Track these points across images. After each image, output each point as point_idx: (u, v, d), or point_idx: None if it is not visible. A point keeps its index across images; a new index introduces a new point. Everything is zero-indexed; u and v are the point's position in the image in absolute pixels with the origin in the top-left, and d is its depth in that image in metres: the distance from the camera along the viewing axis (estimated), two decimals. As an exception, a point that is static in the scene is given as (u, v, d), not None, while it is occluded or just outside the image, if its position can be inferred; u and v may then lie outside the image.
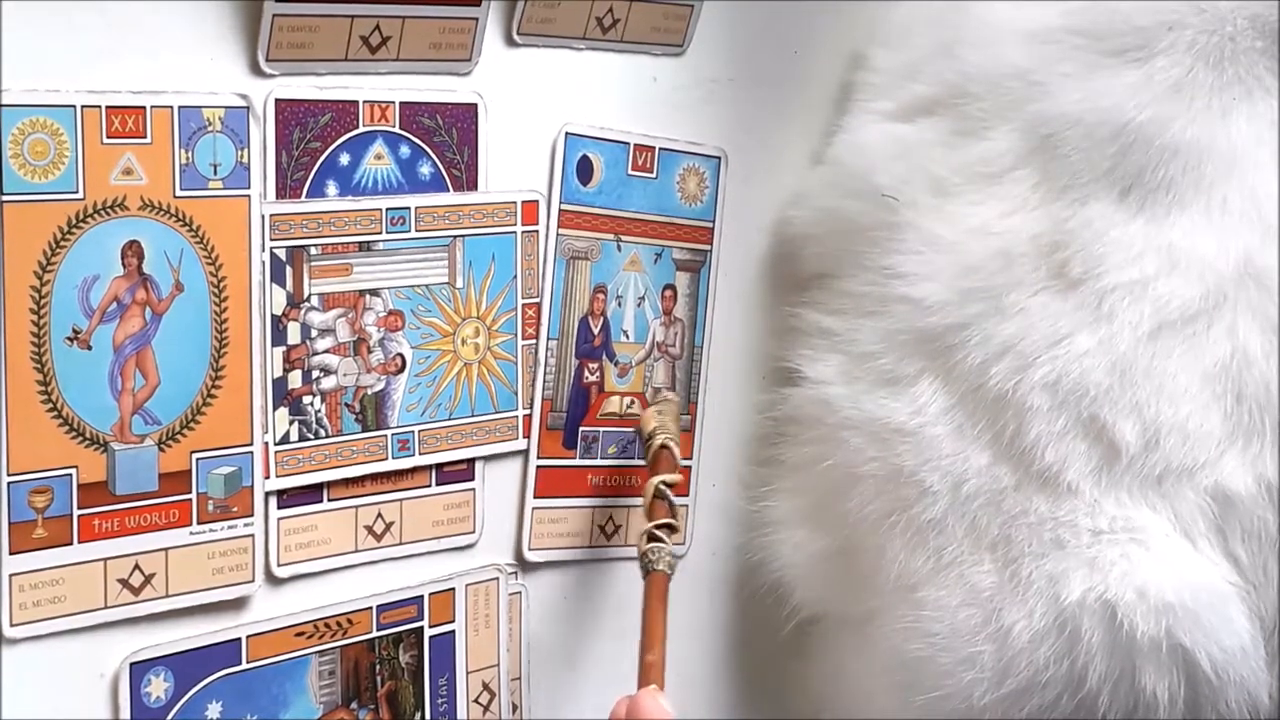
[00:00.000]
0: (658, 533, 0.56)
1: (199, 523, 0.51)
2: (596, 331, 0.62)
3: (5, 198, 0.47)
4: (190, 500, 0.51)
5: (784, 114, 0.67)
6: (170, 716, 0.51)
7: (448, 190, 0.57)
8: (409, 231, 0.56)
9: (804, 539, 0.63)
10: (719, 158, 0.65)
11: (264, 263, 0.52)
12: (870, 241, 0.61)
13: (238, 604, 0.53)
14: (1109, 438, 0.55)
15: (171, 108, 0.49)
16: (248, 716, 0.53)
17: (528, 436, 0.60)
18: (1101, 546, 0.55)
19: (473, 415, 0.58)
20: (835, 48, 0.67)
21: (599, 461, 0.62)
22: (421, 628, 0.58)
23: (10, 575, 0.48)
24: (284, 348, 0.53)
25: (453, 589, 0.58)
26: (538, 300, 0.60)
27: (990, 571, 0.57)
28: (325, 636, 0.55)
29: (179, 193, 0.50)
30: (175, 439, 0.51)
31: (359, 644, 0.56)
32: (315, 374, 0.54)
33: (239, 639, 0.53)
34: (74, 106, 0.47)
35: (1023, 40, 0.59)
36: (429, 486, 0.58)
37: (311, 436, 0.54)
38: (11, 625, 0.48)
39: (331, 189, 0.54)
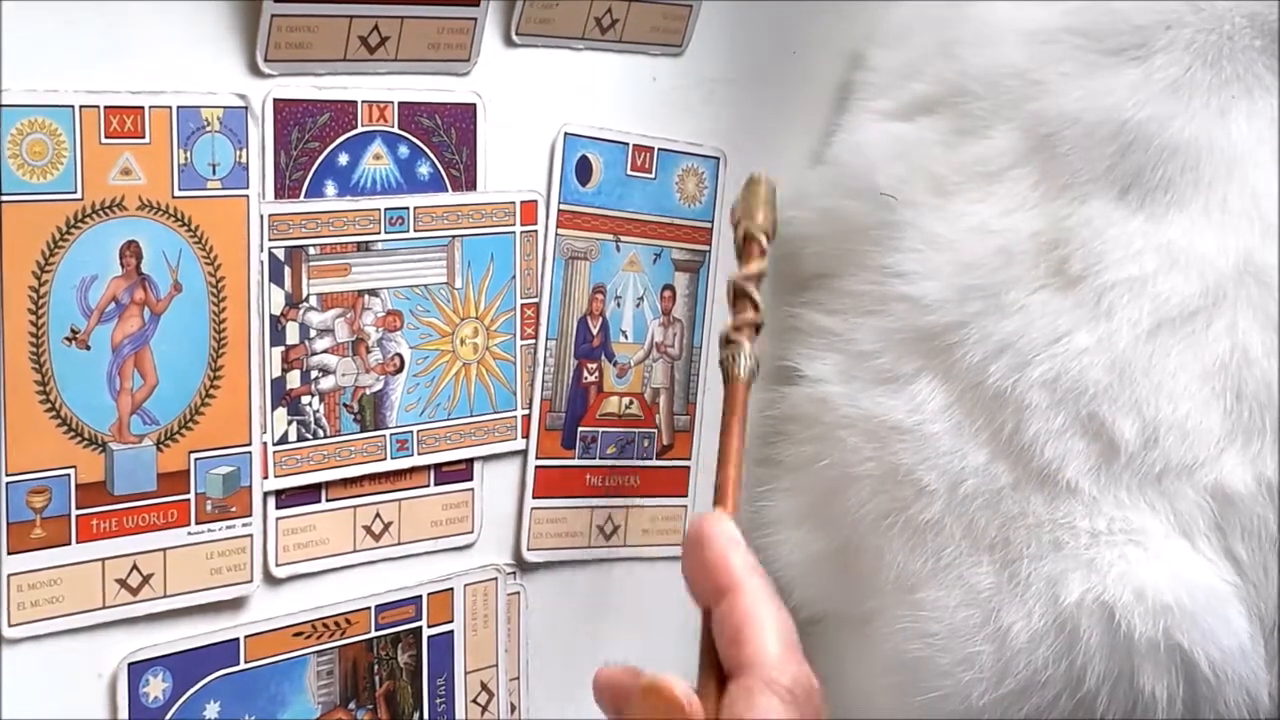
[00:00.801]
0: (734, 336, 0.49)
1: (197, 523, 0.51)
2: (595, 332, 0.62)
3: (4, 198, 0.47)
4: (189, 500, 0.51)
5: (784, 114, 0.67)
6: (168, 716, 0.51)
7: (446, 190, 0.57)
8: (407, 231, 0.56)
9: (803, 539, 0.63)
10: (718, 158, 0.65)
11: (262, 263, 0.52)
12: (869, 240, 0.61)
13: (236, 604, 0.53)
14: (1108, 435, 0.55)
15: (170, 108, 0.49)
16: (246, 716, 0.53)
17: (526, 436, 0.60)
18: (1100, 548, 0.55)
19: (471, 415, 0.58)
20: (835, 48, 0.67)
21: (598, 462, 0.62)
22: (420, 628, 0.58)
23: (9, 575, 0.48)
24: (282, 348, 0.53)
25: (451, 589, 0.58)
26: (536, 300, 0.60)
27: (989, 572, 0.57)
28: (323, 636, 0.55)
29: (177, 193, 0.50)
30: (174, 439, 0.51)
31: (357, 644, 0.56)
32: (314, 374, 0.54)
33: (237, 639, 0.53)
34: (72, 106, 0.47)
35: (1022, 39, 0.59)
36: (427, 486, 0.58)
37: (310, 436, 0.54)
38: (10, 625, 0.48)
39: (330, 189, 0.54)
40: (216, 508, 0.52)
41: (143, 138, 0.49)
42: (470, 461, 0.59)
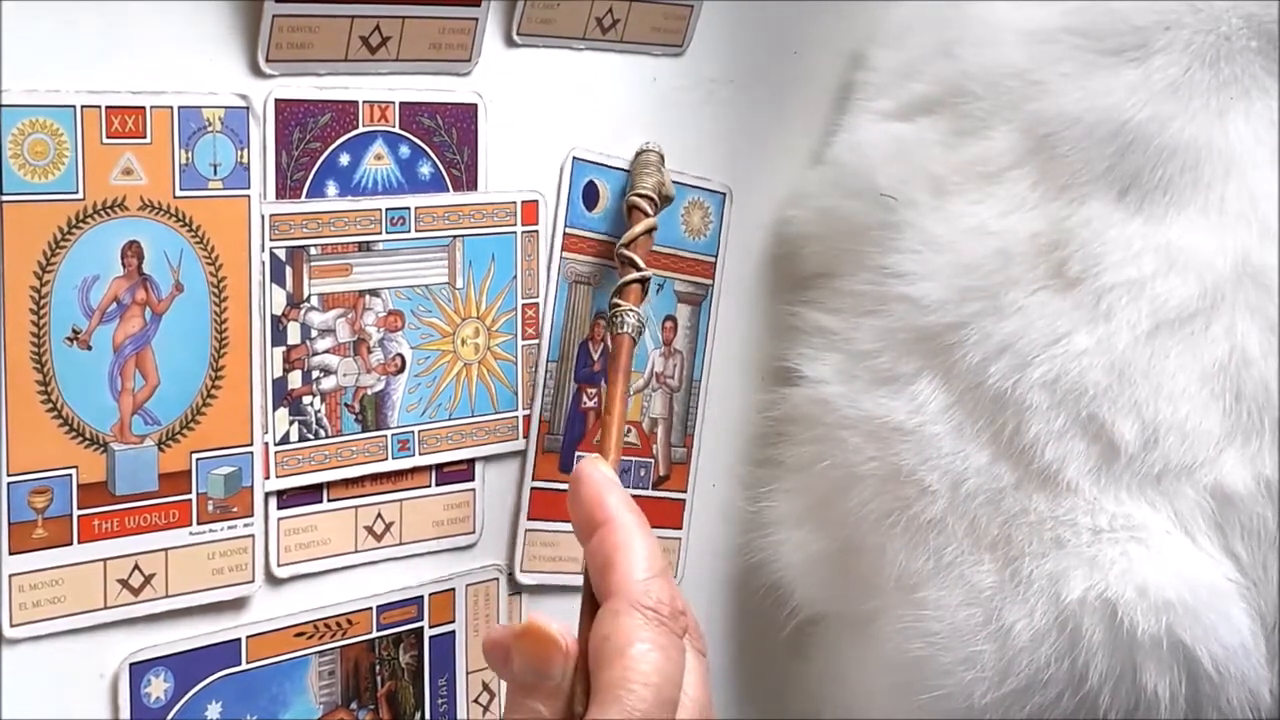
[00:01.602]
0: (616, 300, 0.56)
1: (199, 523, 0.51)
2: (596, 357, 0.62)
3: (5, 198, 0.47)
4: (190, 500, 0.51)
5: (784, 114, 0.67)
6: (170, 717, 0.51)
7: (448, 190, 0.57)
8: (409, 232, 0.56)
9: (804, 539, 0.63)
10: (724, 194, 0.65)
11: (264, 263, 0.52)
12: (869, 241, 0.61)
13: (237, 604, 0.53)
14: (1108, 436, 0.55)
15: (171, 108, 0.49)
16: (247, 717, 0.53)
17: (527, 437, 0.60)
18: (1101, 545, 0.55)
19: (473, 415, 0.58)
20: (835, 48, 0.67)
21: None
22: (421, 628, 0.58)
23: (10, 575, 0.48)
24: (284, 348, 0.53)
25: (453, 589, 0.58)
26: (537, 300, 0.60)
27: (990, 571, 0.57)
28: (325, 637, 0.55)
29: (179, 193, 0.50)
30: (175, 439, 0.51)
31: (359, 644, 0.56)
32: (315, 374, 0.54)
33: (239, 639, 0.53)
34: (74, 106, 0.47)
35: (1022, 40, 0.59)
36: (429, 487, 0.58)
37: (311, 437, 0.54)
38: (11, 625, 0.48)
39: (331, 189, 0.54)
40: (218, 508, 0.52)
41: (144, 138, 0.49)
42: (471, 462, 0.59)
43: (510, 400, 0.59)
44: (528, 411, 0.60)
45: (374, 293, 0.55)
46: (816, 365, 0.62)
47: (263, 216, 0.52)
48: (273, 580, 0.54)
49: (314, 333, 0.54)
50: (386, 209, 0.55)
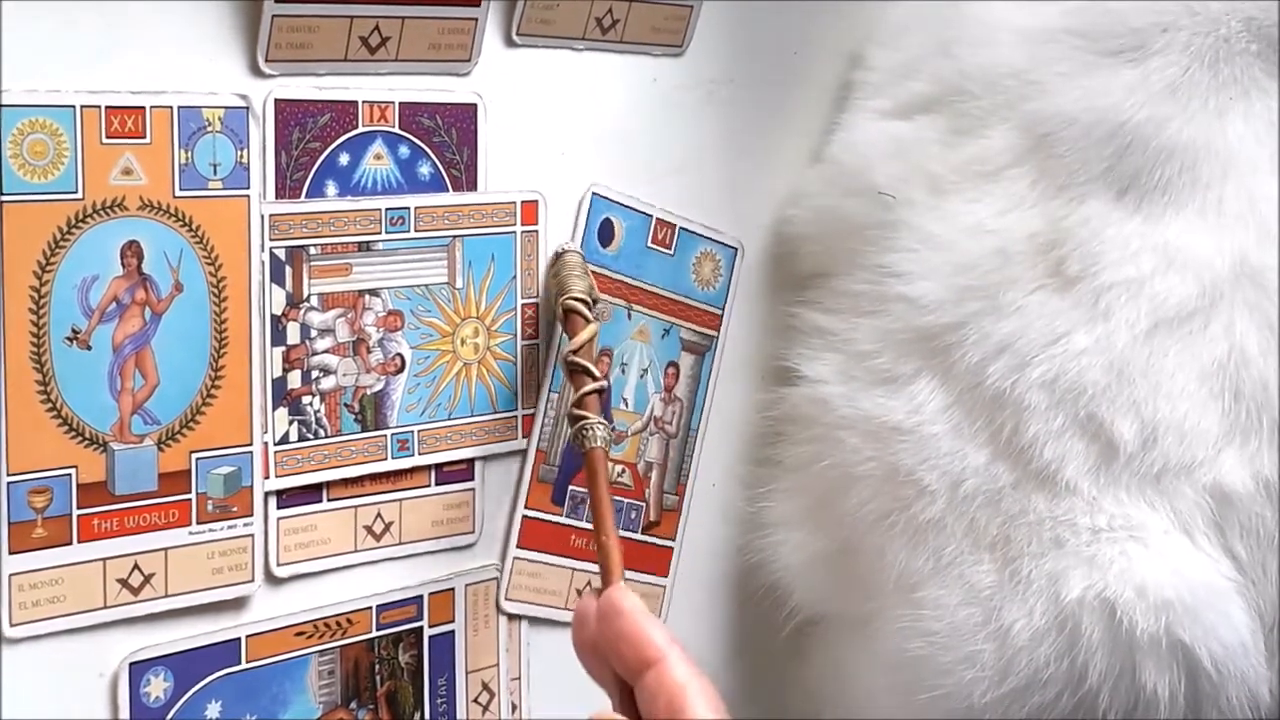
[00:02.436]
0: (578, 412, 0.54)
1: (198, 523, 0.51)
2: None
3: (5, 198, 0.47)
4: (190, 500, 0.51)
5: (784, 114, 0.67)
6: (170, 716, 0.51)
7: (447, 190, 0.57)
8: (408, 232, 0.56)
9: (803, 539, 0.63)
10: (736, 249, 0.65)
11: (263, 263, 0.52)
12: (867, 240, 0.61)
13: (237, 604, 0.53)
14: (1107, 436, 0.55)
15: (171, 108, 0.49)
16: (247, 716, 0.53)
17: (527, 436, 0.60)
18: (1100, 545, 0.55)
19: (472, 415, 0.58)
20: (834, 48, 0.67)
21: (585, 524, 0.62)
22: (421, 627, 0.58)
23: (10, 575, 0.48)
24: (283, 348, 0.53)
25: (452, 589, 0.58)
26: (537, 300, 0.60)
27: (990, 571, 0.57)
28: (325, 636, 0.55)
29: (178, 193, 0.50)
30: (175, 439, 0.51)
31: (358, 644, 0.56)
32: (315, 374, 0.54)
33: (238, 639, 0.53)
34: (73, 106, 0.48)
35: (1020, 39, 0.59)
36: (428, 486, 0.58)
37: (311, 436, 0.54)
38: (11, 625, 0.48)
39: (331, 189, 0.54)
40: (218, 507, 0.52)
41: (144, 138, 0.49)
42: (471, 461, 0.59)
43: (510, 400, 0.59)
44: (527, 411, 0.60)
45: (374, 293, 0.55)
46: (815, 365, 0.62)
47: (262, 216, 0.52)
48: (272, 580, 0.54)
49: (314, 332, 0.54)
50: (386, 209, 0.55)
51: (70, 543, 0.49)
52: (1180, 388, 0.55)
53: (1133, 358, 0.55)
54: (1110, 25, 0.58)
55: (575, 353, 0.55)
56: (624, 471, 0.63)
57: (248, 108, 0.51)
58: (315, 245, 0.54)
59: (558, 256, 0.59)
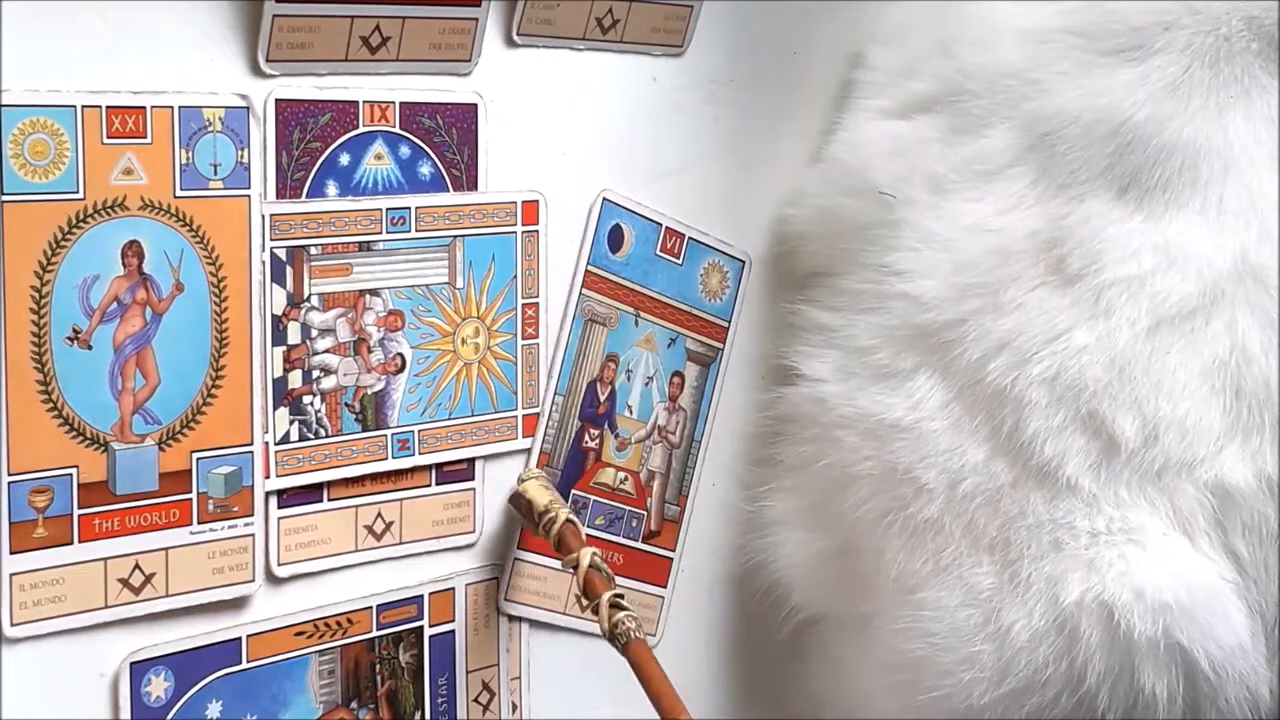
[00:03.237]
0: (620, 601, 0.53)
1: (199, 522, 0.51)
2: (603, 399, 0.62)
3: (5, 198, 0.47)
4: (190, 500, 0.51)
5: (784, 114, 0.67)
6: (170, 716, 0.51)
7: (448, 190, 0.57)
8: (409, 231, 0.56)
9: (803, 539, 0.63)
10: (744, 262, 0.66)
11: (264, 263, 0.52)
12: (867, 239, 0.61)
13: (238, 604, 0.53)
14: (1108, 433, 0.55)
15: (172, 108, 0.49)
16: (248, 716, 0.53)
17: (528, 436, 0.60)
18: (1099, 548, 0.55)
19: (472, 415, 0.58)
20: (835, 48, 0.67)
21: (585, 530, 0.62)
22: (421, 627, 0.58)
23: (10, 575, 0.48)
24: (284, 348, 0.53)
25: (453, 588, 0.59)
26: (538, 300, 0.60)
27: (989, 573, 0.57)
28: (325, 636, 0.55)
29: (179, 193, 0.50)
30: (175, 439, 0.51)
31: (359, 643, 0.56)
32: (315, 374, 0.54)
33: (239, 638, 0.53)
34: (74, 106, 0.48)
35: (1020, 39, 0.59)
36: (429, 486, 0.58)
37: (311, 436, 0.54)
38: (12, 625, 0.48)
39: (331, 189, 0.54)
40: (218, 507, 0.52)
41: (144, 138, 0.49)
42: (471, 461, 0.59)
43: (510, 400, 0.60)
44: (527, 411, 0.60)
45: (374, 292, 0.55)
46: (815, 363, 0.62)
47: (263, 216, 0.52)
48: (273, 580, 0.54)
49: (314, 332, 0.54)
50: (386, 209, 0.55)
51: (71, 542, 0.49)
52: (1181, 385, 0.55)
53: (1134, 355, 0.55)
54: (1111, 24, 0.58)
55: (598, 555, 0.54)
56: (626, 479, 0.63)
57: (248, 108, 0.51)
58: (316, 245, 0.54)
59: (533, 472, 0.59)
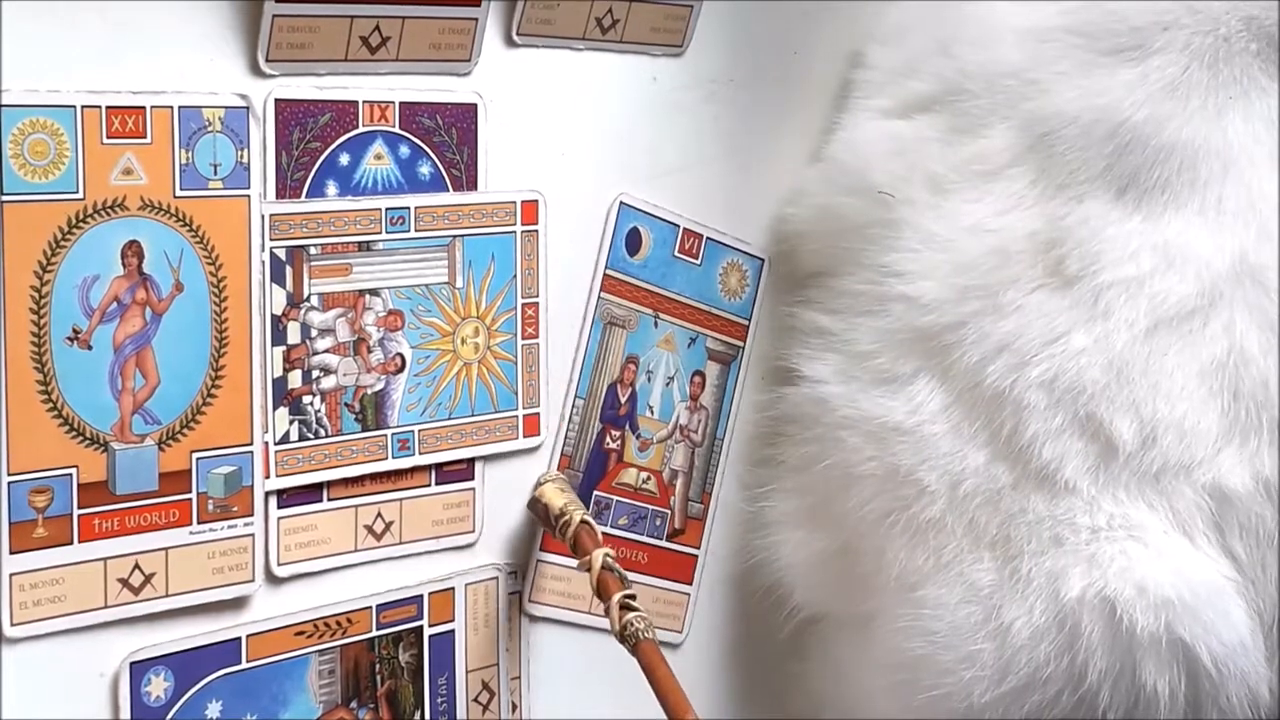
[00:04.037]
0: (630, 602, 0.54)
1: (199, 522, 0.51)
2: (624, 400, 0.63)
3: (5, 198, 0.47)
4: (190, 500, 0.51)
5: (784, 114, 0.67)
6: (170, 716, 0.51)
7: (447, 190, 0.57)
8: (409, 231, 0.56)
9: (804, 539, 0.63)
10: (763, 260, 0.66)
11: (264, 262, 0.52)
12: (867, 239, 0.61)
13: (237, 603, 0.53)
14: (1106, 435, 0.55)
15: (171, 108, 0.49)
16: (247, 716, 0.53)
17: (529, 436, 0.60)
18: (1100, 544, 0.55)
19: (473, 415, 0.58)
20: (834, 47, 0.67)
21: (609, 529, 0.62)
22: (421, 627, 0.58)
23: (10, 575, 0.48)
24: (284, 347, 0.53)
25: (452, 588, 0.59)
26: (538, 300, 0.60)
27: (990, 569, 0.57)
28: (325, 636, 0.55)
29: (179, 193, 0.50)
30: (175, 439, 0.51)
31: (359, 643, 0.56)
32: (315, 374, 0.54)
33: (239, 638, 0.53)
34: (74, 106, 0.48)
35: (1019, 38, 0.59)
36: (429, 486, 0.58)
37: (311, 436, 0.54)
38: (12, 625, 0.48)
39: (331, 189, 0.54)
40: (218, 507, 0.52)
41: (144, 138, 0.49)
42: (471, 461, 0.59)
43: (510, 400, 0.60)
44: (528, 411, 0.60)
45: (374, 292, 0.55)
46: (815, 365, 0.62)
47: (263, 216, 0.52)
48: (273, 579, 0.54)
49: (314, 332, 0.54)
50: (386, 209, 0.55)
51: (71, 542, 0.49)
52: (1179, 387, 0.55)
53: (1132, 357, 0.55)
54: (1110, 24, 0.58)
55: (609, 556, 0.55)
56: (649, 479, 0.64)
57: (248, 108, 0.51)
58: (315, 245, 0.54)
59: (551, 474, 0.60)
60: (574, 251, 0.61)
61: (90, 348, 0.49)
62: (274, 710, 0.54)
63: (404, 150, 0.56)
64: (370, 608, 0.56)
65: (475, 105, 0.57)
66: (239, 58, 0.51)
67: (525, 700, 0.61)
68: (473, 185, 0.57)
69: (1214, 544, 0.55)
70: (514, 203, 0.59)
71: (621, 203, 0.61)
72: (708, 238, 0.64)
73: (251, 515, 0.53)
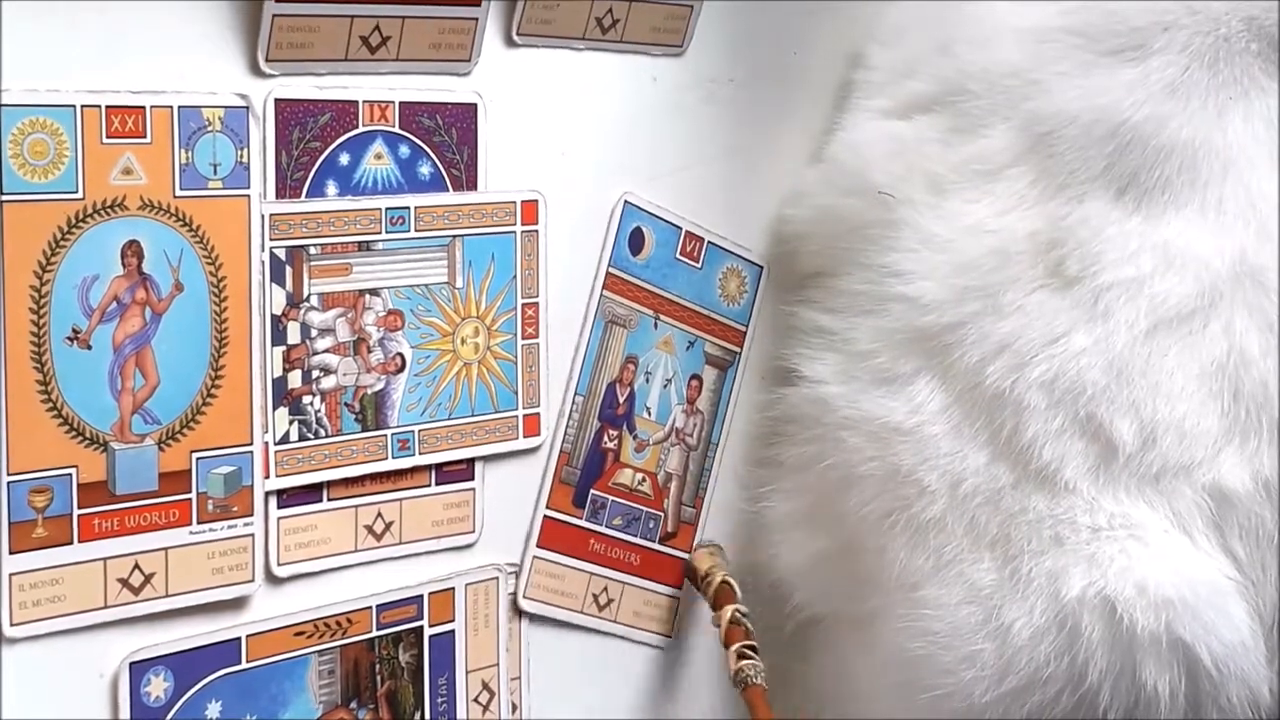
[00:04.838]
0: (749, 652, 0.60)
1: (199, 522, 0.51)
2: (622, 400, 0.63)
3: (5, 198, 0.47)
4: (190, 500, 0.51)
5: (784, 114, 0.67)
6: (170, 716, 0.51)
7: (447, 190, 0.57)
8: (408, 231, 0.56)
9: (804, 539, 0.63)
10: (762, 267, 0.66)
11: (264, 262, 0.52)
12: (867, 239, 0.61)
13: (237, 604, 0.53)
14: (1106, 436, 0.55)
15: (171, 108, 0.49)
16: (247, 716, 0.53)
17: (529, 436, 0.60)
18: (1100, 543, 0.55)
19: (472, 415, 0.58)
20: (834, 47, 0.67)
21: (604, 529, 0.62)
22: (421, 627, 0.58)
23: (10, 575, 0.48)
24: (284, 347, 0.53)
25: (452, 589, 0.58)
26: (537, 300, 0.60)
27: (990, 569, 0.57)
28: (325, 636, 0.55)
29: (179, 192, 0.50)
30: (175, 439, 0.51)
31: (359, 643, 0.56)
32: (315, 374, 0.54)
33: (239, 638, 0.53)
34: (74, 106, 0.48)
35: (1019, 39, 0.59)
36: (429, 486, 0.58)
37: (311, 436, 0.54)
38: (11, 625, 0.48)
39: (331, 189, 0.54)
40: (218, 507, 0.52)
41: (144, 137, 0.49)
42: (471, 461, 0.59)
43: (510, 400, 0.59)
44: (528, 411, 0.60)
45: (374, 292, 0.55)
46: (815, 365, 0.62)
47: (262, 216, 0.52)
48: (273, 580, 0.54)
49: (314, 332, 0.54)
50: (386, 209, 0.55)
51: (71, 542, 0.49)
52: (1179, 387, 0.55)
53: (1132, 358, 0.55)
54: (1110, 24, 0.58)
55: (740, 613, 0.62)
56: (644, 480, 0.64)
57: (248, 107, 0.51)
58: (315, 245, 0.54)
59: (710, 543, 0.67)
60: (574, 251, 0.61)
61: (90, 348, 0.49)
62: (274, 710, 0.54)
63: (404, 150, 0.56)
64: (370, 608, 0.56)
65: (475, 105, 0.57)
66: (239, 58, 0.51)
67: (525, 700, 0.61)
68: (473, 185, 0.57)
69: (1214, 544, 0.55)
70: (514, 203, 0.59)
71: (626, 202, 0.61)
72: (709, 242, 0.64)
73: (251, 515, 0.53)
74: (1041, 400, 0.56)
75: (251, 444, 0.52)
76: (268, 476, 0.53)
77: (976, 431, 0.57)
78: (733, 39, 0.64)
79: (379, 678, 0.57)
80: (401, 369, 0.56)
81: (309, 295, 0.54)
